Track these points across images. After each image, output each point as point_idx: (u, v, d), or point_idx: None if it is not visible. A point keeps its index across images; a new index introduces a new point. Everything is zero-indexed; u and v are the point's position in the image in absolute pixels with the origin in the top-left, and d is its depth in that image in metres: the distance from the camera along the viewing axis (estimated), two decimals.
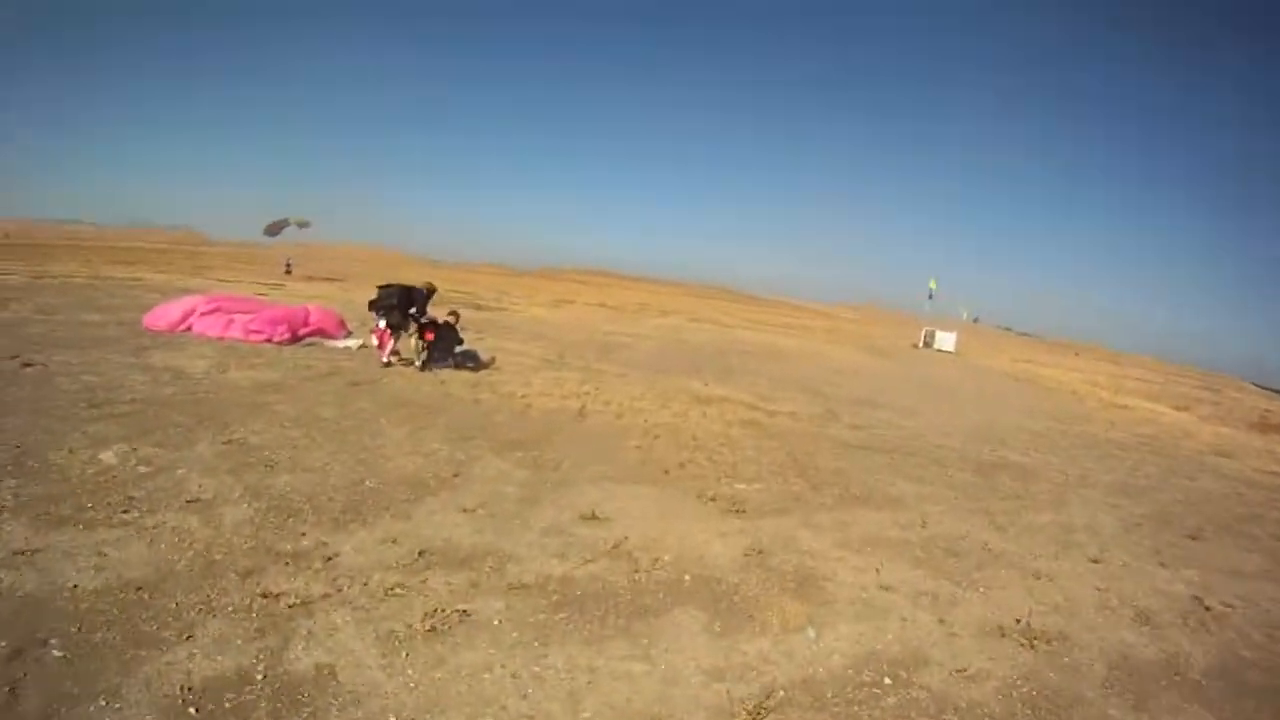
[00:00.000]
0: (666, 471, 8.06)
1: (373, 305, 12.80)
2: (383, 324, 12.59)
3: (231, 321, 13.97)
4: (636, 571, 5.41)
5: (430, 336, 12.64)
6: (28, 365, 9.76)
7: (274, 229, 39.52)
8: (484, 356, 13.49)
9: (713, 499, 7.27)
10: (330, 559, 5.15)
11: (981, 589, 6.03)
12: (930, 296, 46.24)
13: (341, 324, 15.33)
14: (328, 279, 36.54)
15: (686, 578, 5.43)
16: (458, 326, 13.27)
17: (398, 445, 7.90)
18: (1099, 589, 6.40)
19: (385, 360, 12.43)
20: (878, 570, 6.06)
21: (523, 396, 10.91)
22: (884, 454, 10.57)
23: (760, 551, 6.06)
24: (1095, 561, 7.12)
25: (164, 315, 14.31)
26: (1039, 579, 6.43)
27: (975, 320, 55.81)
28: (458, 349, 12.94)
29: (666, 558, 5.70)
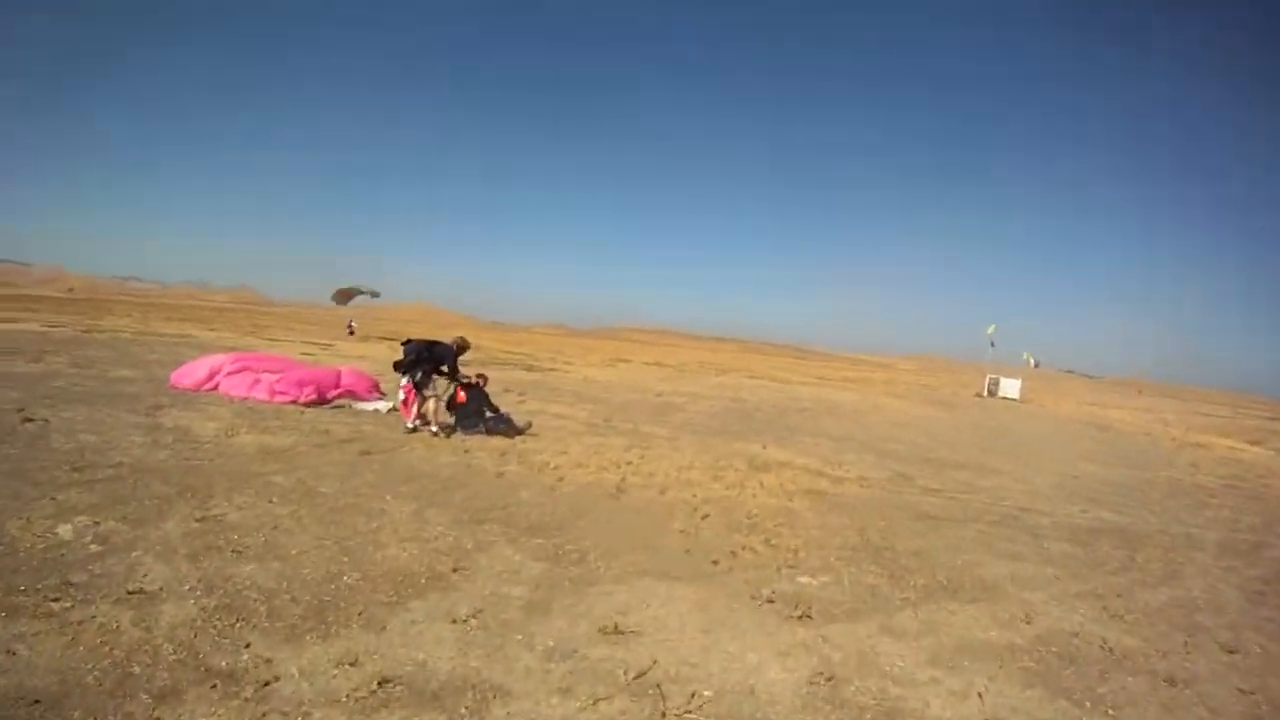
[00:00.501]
0: (715, 562, 6.53)
1: (397, 366, 11.73)
2: (405, 382, 11.47)
3: (258, 381, 13.18)
4: (664, 717, 3.95)
5: (461, 400, 11.48)
6: (29, 420, 9.25)
7: (344, 296, 39.93)
8: (520, 421, 12.21)
9: (770, 600, 5.72)
10: (267, 684, 3.93)
11: (1110, 711, 4.48)
12: (991, 344, 44.49)
13: (374, 386, 14.36)
14: (384, 339, 36.24)
15: None
16: (486, 389, 12.05)
17: (395, 528, 6.64)
18: (1244, 692, 4.95)
19: (410, 425, 11.29)
20: (981, 696, 4.49)
21: (555, 468, 9.56)
22: (968, 525, 8.90)
23: (830, 678, 4.52)
24: (1231, 652, 5.65)
25: (190, 373, 13.70)
26: (1174, 686, 4.93)
27: (1036, 365, 53.28)
28: (489, 415, 11.68)
29: (706, 693, 4.22)
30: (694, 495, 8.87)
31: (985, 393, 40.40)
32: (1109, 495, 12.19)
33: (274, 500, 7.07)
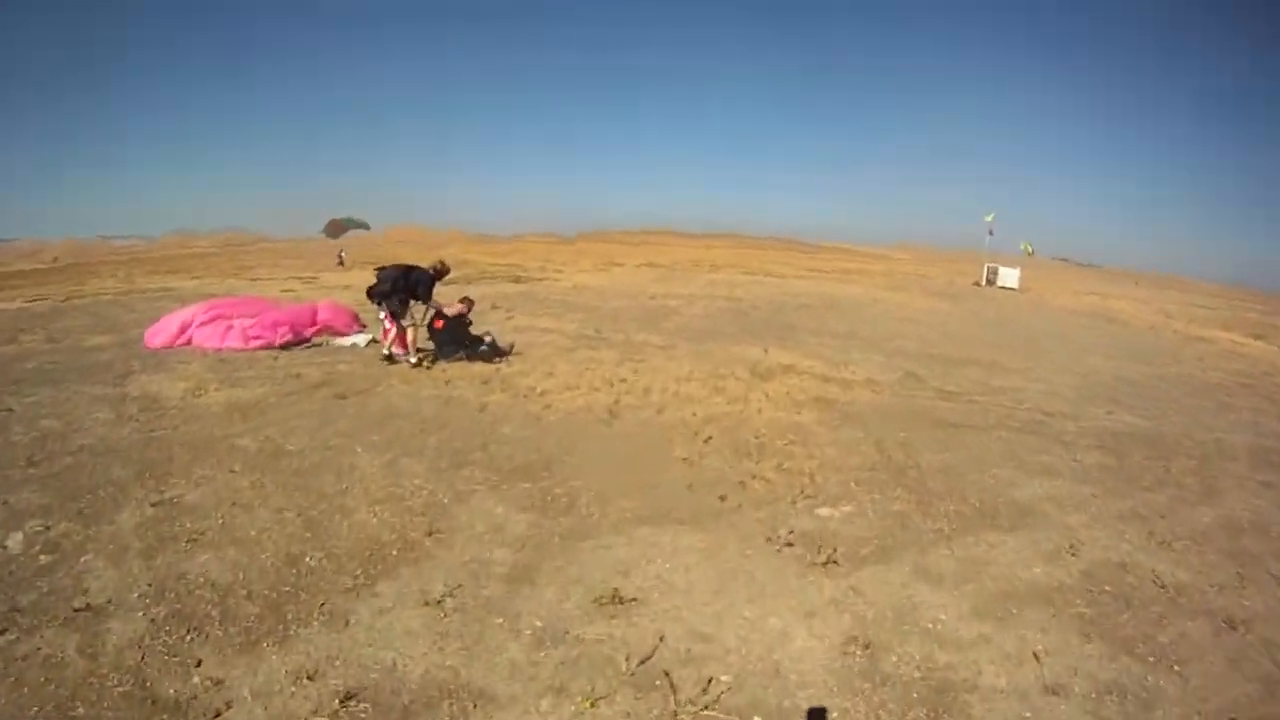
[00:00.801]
0: (723, 498, 5.85)
1: (371, 294, 10.85)
2: (382, 314, 10.67)
3: (230, 328, 12.29)
4: (677, 716, 3.30)
5: (439, 326, 10.64)
6: None
7: (335, 229, 38.67)
8: (504, 343, 11.41)
9: (789, 543, 5.07)
10: (218, 714, 3.36)
11: (1176, 667, 3.94)
12: (990, 232, 43.30)
13: (354, 319, 13.49)
14: (374, 265, 35.10)
15: None
16: (469, 314, 11.14)
17: (366, 487, 5.95)
18: None
19: (386, 352, 10.60)
20: (1037, 657, 3.87)
21: (542, 393, 8.80)
22: (991, 433, 8.22)
23: (867, 646, 3.90)
24: None
25: (163, 330, 12.77)
26: (1235, 630, 4.38)
27: (1031, 253, 52.23)
28: (469, 340, 10.86)
29: (724, 678, 3.59)
30: (694, 414, 8.16)
31: (984, 282, 39.16)
32: (1128, 395, 11.48)
33: (236, 469, 6.35)
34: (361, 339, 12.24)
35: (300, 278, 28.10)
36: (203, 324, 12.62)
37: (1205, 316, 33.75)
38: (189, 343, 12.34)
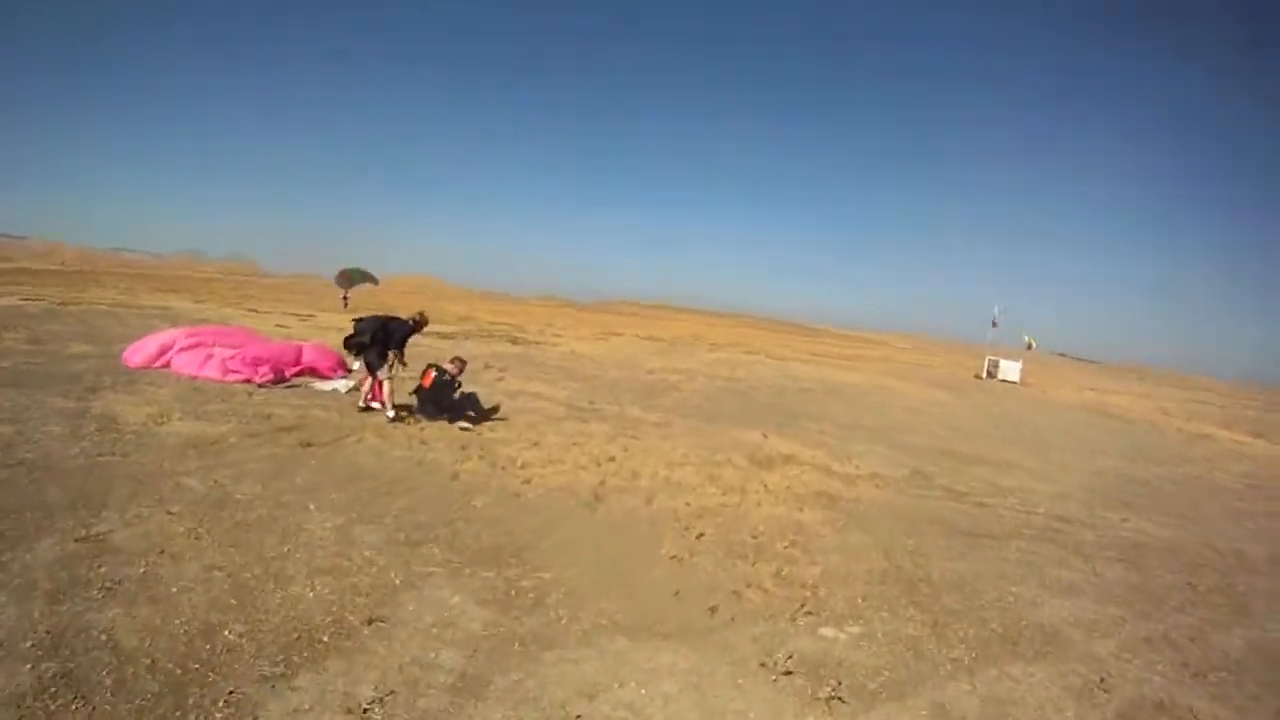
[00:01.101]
0: (713, 609, 5.07)
1: (348, 344, 10.28)
2: (355, 366, 10.17)
3: (210, 357, 11.70)
4: None
5: (427, 382, 9.97)
6: None
7: (345, 280, 38.27)
8: (489, 405, 10.75)
9: (787, 670, 4.29)
10: None
11: None
12: (994, 324, 42.91)
13: (340, 363, 12.86)
14: (375, 312, 34.61)
15: None
16: (460, 376, 10.45)
17: (311, 553, 5.21)
18: None
19: (362, 405, 9.99)
20: None
21: (523, 466, 8.06)
22: (1007, 542, 7.53)
23: None
24: None
25: (142, 350, 12.24)
26: None
27: (1033, 347, 51.97)
28: (455, 400, 10.17)
29: None
30: (686, 504, 7.42)
31: (985, 374, 38.83)
32: (1140, 498, 10.88)
33: (175, 511, 5.67)
34: (343, 384, 11.60)
35: (299, 314, 27.60)
36: (183, 349, 12.08)
37: (1204, 413, 33.28)
38: (167, 366, 11.82)
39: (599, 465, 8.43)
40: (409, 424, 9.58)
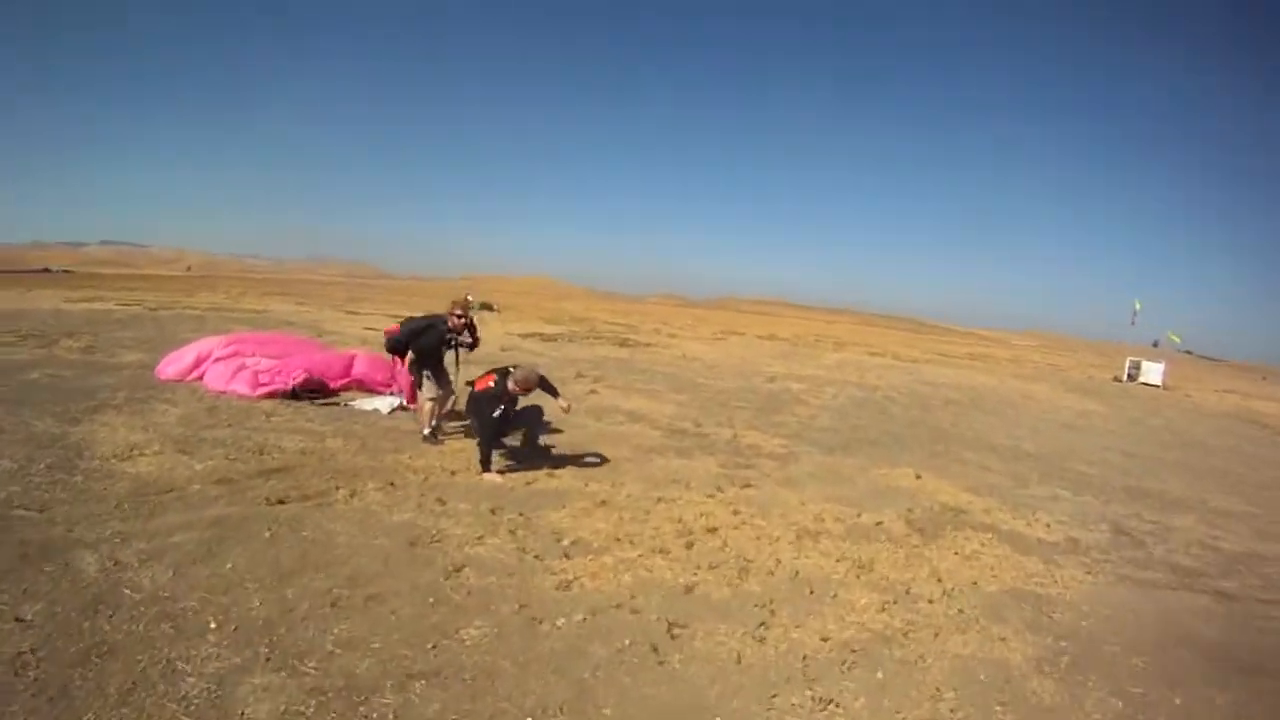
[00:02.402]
0: None
1: (392, 350, 8.05)
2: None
3: (241, 369, 9.72)
4: None
5: (480, 386, 7.26)
6: None
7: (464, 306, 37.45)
8: (559, 429, 8.16)
9: None
10: None
11: None
12: (1132, 322, 38.83)
13: (392, 378, 10.57)
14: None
15: None
16: (511, 393, 7.37)
17: None
18: None
19: (426, 430, 7.98)
20: None
21: (567, 553, 5.17)
22: None
23: None
24: None
25: (177, 361, 10.53)
26: None
27: (1179, 345, 45.81)
28: (512, 425, 7.56)
29: None
30: (823, 638, 4.36)
31: (1125, 376, 33.36)
32: None
33: (25, 618, 3.55)
34: (385, 404, 9.30)
35: (399, 316, 26.01)
36: (219, 359, 10.17)
37: None
38: (201, 379, 9.87)
39: (689, 547, 5.48)
40: (442, 446, 7.50)
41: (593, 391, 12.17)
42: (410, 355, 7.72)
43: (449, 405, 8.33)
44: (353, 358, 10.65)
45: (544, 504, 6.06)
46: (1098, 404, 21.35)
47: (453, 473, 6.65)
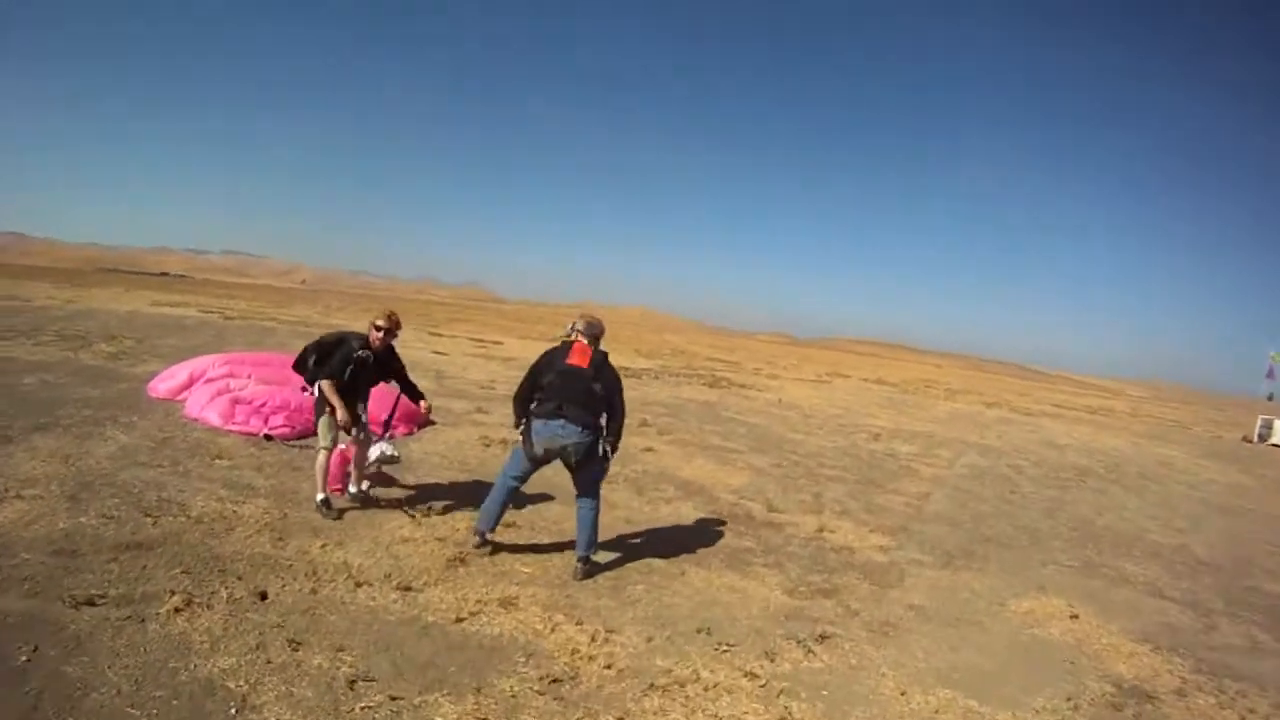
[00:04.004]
0: None
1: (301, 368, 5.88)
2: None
3: (220, 394, 8.04)
4: None
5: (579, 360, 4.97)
6: None
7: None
8: (590, 494, 5.78)
9: None
10: None
11: None
12: (1269, 374, 35.87)
13: (409, 418, 8.57)
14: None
15: None
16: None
17: None
18: None
19: (355, 490, 6.11)
20: None
21: None
22: None
23: None
24: None
25: (171, 377, 9.27)
26: None
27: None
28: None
29: None
30: None
31: (1256, 437, 28.18)
32: None
33: None
34: (379, 448, 7.12)
35: (482, 340, 24.38)
36: (209, 379, 8.47)
37: None
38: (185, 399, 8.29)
39: None
40: (416, 516, 5.44)
41: (649, 449, 9.67)
42: (325, 383, 5.47)
43: (372, 462, 6.14)
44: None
45: (449, 674, 3.55)
46: (1241, 473, 17.26)
47: (358, 584, 4.31)
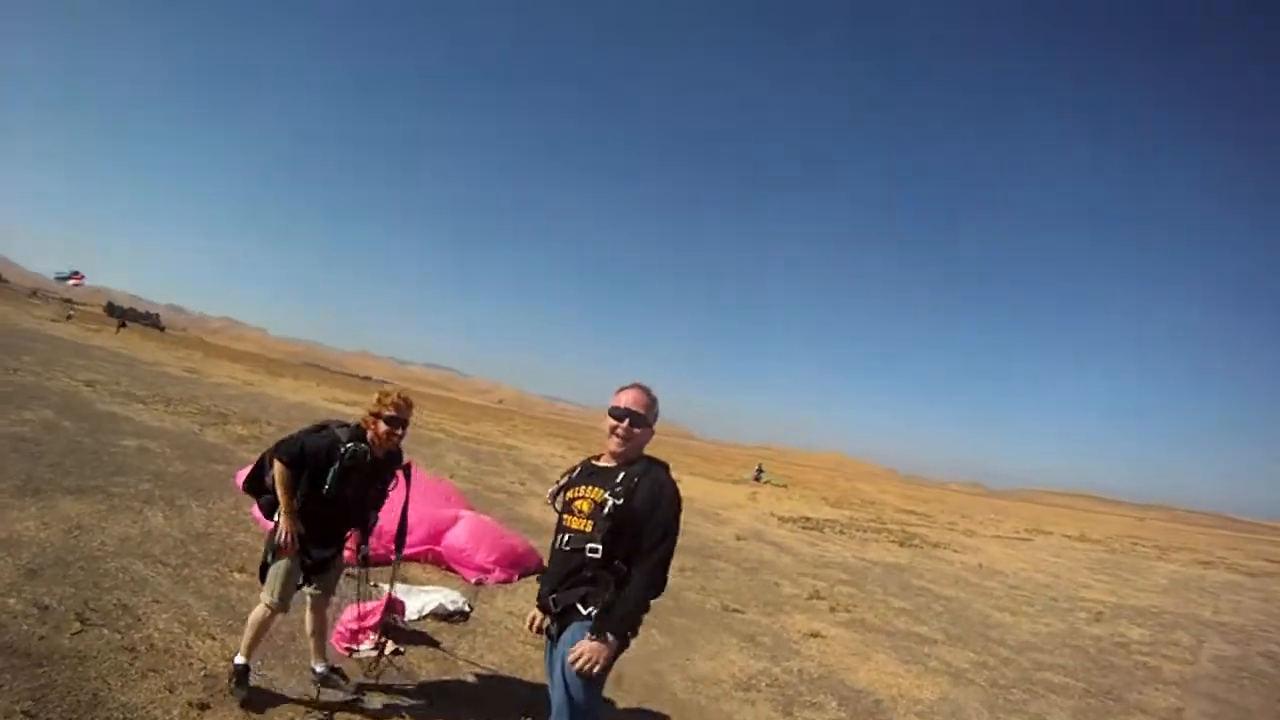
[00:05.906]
0: None
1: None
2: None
3: None
4: None
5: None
6: None
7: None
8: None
9: None
10: None
11: None
12: None
13: (505, 563, 6.81)
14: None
15: None
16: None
17: None
18: None
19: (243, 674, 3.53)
20: None
21: None
22: None
23: None
24: None
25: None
26: None
27: None
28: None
29: None
30: None
31: None
32: None
33: None
34: (436, 599, 5.28)
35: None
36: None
37: None
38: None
39: None
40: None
41: (816, 635, 7.13)
42: (277, 467, 3.43)
43: (425, 615, 4.20)
44: (456, 519, 7.00)
45: None
46: None
47: None
